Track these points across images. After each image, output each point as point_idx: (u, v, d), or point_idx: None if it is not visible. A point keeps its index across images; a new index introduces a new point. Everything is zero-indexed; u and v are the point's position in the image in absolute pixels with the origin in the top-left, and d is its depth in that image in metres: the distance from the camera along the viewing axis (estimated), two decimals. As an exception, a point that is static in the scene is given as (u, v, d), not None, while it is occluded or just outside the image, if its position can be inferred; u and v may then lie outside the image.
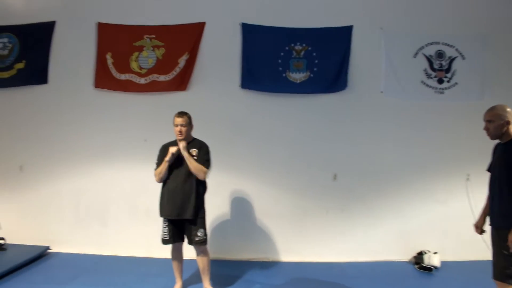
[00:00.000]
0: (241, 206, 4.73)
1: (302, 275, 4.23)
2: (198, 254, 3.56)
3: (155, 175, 3.51)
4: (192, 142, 3.57)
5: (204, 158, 3.50)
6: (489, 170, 2.91)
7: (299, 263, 4.59)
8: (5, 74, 4.97)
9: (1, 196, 4.95)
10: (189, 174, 3.42)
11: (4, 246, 4.54)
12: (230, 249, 4.68)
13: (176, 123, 3.49)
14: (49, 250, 4.70)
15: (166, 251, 4.49)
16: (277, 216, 4.72)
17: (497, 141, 2.85)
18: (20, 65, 4.97)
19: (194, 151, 3.51)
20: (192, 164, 3.41)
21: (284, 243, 4.71)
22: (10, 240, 4.64)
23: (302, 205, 4.73)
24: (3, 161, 4.95)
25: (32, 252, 4.46)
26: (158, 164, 3.52)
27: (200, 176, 3.43)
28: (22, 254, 4.37)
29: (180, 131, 3.45)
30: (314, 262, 4.61)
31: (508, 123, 2.69)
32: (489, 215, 2.87)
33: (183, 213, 3.41)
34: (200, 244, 3.48)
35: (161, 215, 3.52)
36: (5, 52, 5.00)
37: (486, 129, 2.80)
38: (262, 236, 4.71)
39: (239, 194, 4.74)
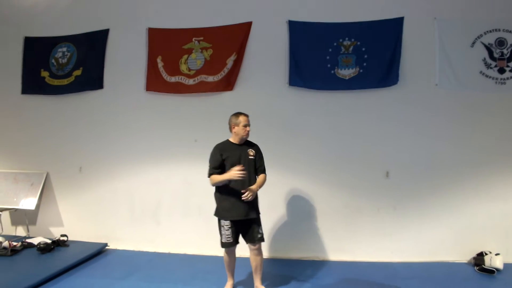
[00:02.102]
0: (291, 205, 4.69)
1: (353, 275, 4.12)
2: (253, 252, 3.53)
3: (211, 180, 3.48)
4: (247, 143, 3.60)
5: (263, 165, 3.59)
6: None
7: (350, 262, 4.49)
8: (65, 81, 5.29)
9: (63, 196, 5.27)
10: (250, 173, 3.44)
11: (66, 243, 4.82)
12: (281, 248, 4.65)
13: (245, 122, 3.51)
14: (107, 247, 4.93)
15: (217, 249, 4.58)
16: (327, 214, 4.64)
17: None
18: (78, 72, 5.28)
19: (252, 152, 3.54)
20: (260, 186, 3.49)
21: (335, 242, 4.62)
22: (71, 237, 4.93)
23: (353, 203, 4.62)
24: (64, 163, 5.27)
25: (91, 248, 4.69)
26: (213, 167, 3.47)
27: None
28: (82, 250, 4.61)
29: (249, 131, 3.53)
30: (366, 261, 4.49)
31: None
32: None
33: (250, 212, 3.44)
34: (261, 241, 3.49)
35: (227, 217, 3.45)
36: (64, 60, 5.32)
37: None
38: (312, 235, 4.64)
39: (290, 193, 4.70)
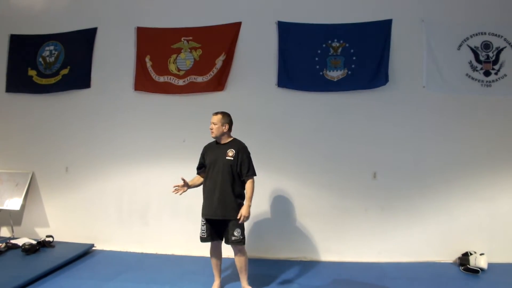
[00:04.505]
0: (279, 206, 4.70)
1: (341, 275, 4.14)
2: (235, 253, 3.55)
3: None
4: (230, 142, 3.59)
5: (249, 167, 3.52)
6: None
7: (337, 262, 4.51)
8: (52, 80, 5.23)
9: (49, 196, 5.20)
10: (223, 175, 3.45)
11: (52, 243, 4.75)
12: (268, 248, 4.65)
13: (211, 121, 3.60)
14: (94, 248, 4.87)
15: (205, 250, 4.57)
16: (315, 215, 4.65)
17: None
18: (65, 71, 5.21)
19: (231, 152, 3.50)
20: (251, 197, 3.52)
21: (323, 242, 4.63)
22: (57, 237, 4.87)
23: (341, 204, 4.63)
24: (50, 163, 5.20)
25: (78, 249, 4.63)
26: (197, 167, 3.74)
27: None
28: (69, 251, 4.55)
29: (211, 130, 3.57)
30: (353, 262, 4.51)
31: None
32: None
33: (218, 212, 3.45)
34: (237, 244, 3.47)
35: (202, 214, 3.60)
36: (52, 59, 5.25)
37: None
38: (300, 235, 4.65)
39: (278, 194, 4.71)
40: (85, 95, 5.15)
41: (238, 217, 3.37)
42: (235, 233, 3.43)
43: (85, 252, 4.69)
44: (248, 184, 3.50)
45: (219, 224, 3.51)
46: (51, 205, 5.19)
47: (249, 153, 3.57)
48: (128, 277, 4.01)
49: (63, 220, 5.11)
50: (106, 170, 5.04)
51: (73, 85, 5.17)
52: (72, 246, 4.73)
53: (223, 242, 3.60)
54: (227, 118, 3.59)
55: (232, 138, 3.63)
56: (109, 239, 4.91)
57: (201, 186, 3.65)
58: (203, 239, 3.58)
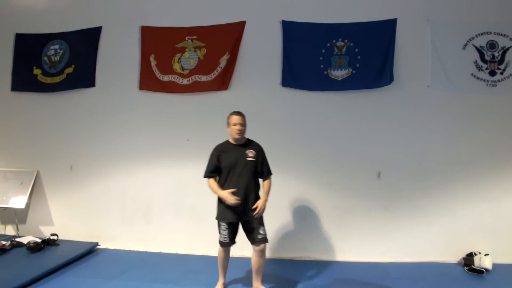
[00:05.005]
0: (283, 206, 4.69)
1: (344, 275, 4.13)
2: (256, 253, 3.47)
3: (209, 185, 3.50)
4: (247, 143, 3.54)
5: (267, 166, 3.55)
6: None
7: (341, 262, 4.50)
8: (56, 79, 5.25)
9: (53, 194, 5.22)
10: (248, 176, 3.41)
11: (57, 242, 4.77)
12: (273, 248, 4.63)
13: (234, 121, 3.43)
14: (98, 246, 4.89)
15: (208, 249, 4.59)
16: (319, 215, 4.65)
17: None
18: (69, 70, 5.23)
19: (251, 153, 3.46)
20: (268, 194, 3.49)
21: (327, 242, 4.63)
22: (62, 236, 4.88)
23: (345, 204, 4.63)
24: (55, 161, 5.22)
25: (82, 248, 4.65)
26: (209, 171, 3.48)
27: None
28: (73, 249, 4.57)
29: (240, 131, 3.42)
30: (357, 261, 4.50)
31: None
32: None
33: (244, 216, 3.43)
34: (263, 242, 3.45)
35: (223, 219, 3.46)
36: (57, 58, 5.28)
37: None
38: (304, 235, 4.65)
39: (281, 194, 4.66)
40: (90, 94, 5.16)
41: (255, 209, 3.35)
42: (261, 231, 3.43)
43: (90, 251, 4.70)
44: (267, 182, 3.54)
45: (244, 226, 3.46)
46: (55, 203, 5.21)
47: (265, 155, 3.59)
48: (132, 276, 4.02)
49: (67, 219, 5.13)
50: (110, 169, 5.06)
51: (77, 84, 5.19)
52: (77, 244, 4.75)
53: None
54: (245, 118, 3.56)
55: (246, 138, 3.58)
56: (113, 238, 4.93)
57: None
58: (225, 244, 3.47)
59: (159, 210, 4.92)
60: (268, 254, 4.58)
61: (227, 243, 3.46)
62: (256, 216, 3.37)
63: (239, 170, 3.39)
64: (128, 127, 5.04)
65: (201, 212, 4.72)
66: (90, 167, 5.13)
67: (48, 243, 4.68)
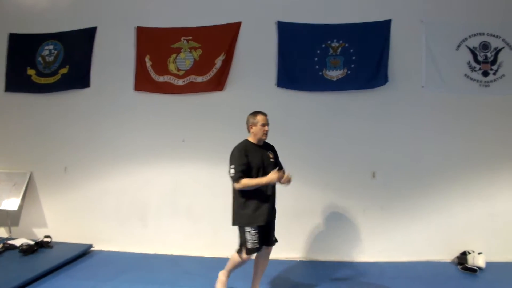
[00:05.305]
0: (278, 205, 4.64)
1: (340, 275, 4.14)
2: (266, 255, 3.46)
3: (239, 185, 3.15)
4: (265, 144, 3.44)
5: (282, 167, 3.45)
6: None
7: (336, 262, 4.50)
8: (51, 80, 5.22)
9: (47, 196, 5.17)
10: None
11: (50, 244, 4.72)
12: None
13: (263, 122, 3.32)
14: (92, 248, 4.84)
15: (204, 250, 4.57)
16: (315, 215, 4.65)
17: None
18: (64, 70, 5.20)
19: (271, 154, 3.41)
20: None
21: (322, 242, 4.63)
22: (55, 238, 4.83)
23: (340, 204, 4.63)
24: (49, 163, 5.18)
25: (76, 250, 4.60)
26: (241, 171, 3.14)
27: None
28: (67, 251, 4.52)
29: (267, 132, 3.34)
30: (352, 261, 4.51)
31: None
32: None
33: (274, 214, 3.44)
34: (276, 242, 3.48)
35: (255, 223, 3.20)
36: (51, 58, 5.24)
37: None
38: (300, 235, 4.65)
39: (277, 193, 4.68)
40: (85, 95, 5.13)
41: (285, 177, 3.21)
42: (274, 233, 3.44)
43: (84, 253, 4.66)
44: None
45: (265, 228, 3.31)
46: (49, 205, 5.16)
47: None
48: (127, 278, 3.98)
49: (61, 221, 5.08)
50: (106, 170, 5.02)
51: (72, 85, 5.16)
52: (70, 246, 4.70)
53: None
54: None
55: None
56: (107, 240, 4.88)
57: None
58: (255, 250, 3.23)
59: (155, 211, 4.89)
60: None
61: (258, 248, 3.23)
62: (284, 181, 3.22)
63: (266, 171, 3.23)
64: (124, 128, 5.02)
65: (198, 213, 4.70)
66: (85, 168, 5.09)
67: (41, 245, 4.63)
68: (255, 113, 3.38)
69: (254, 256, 3.33)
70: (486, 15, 4.56)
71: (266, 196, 3.26)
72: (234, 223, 3.30)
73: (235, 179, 3.15)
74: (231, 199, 3.31)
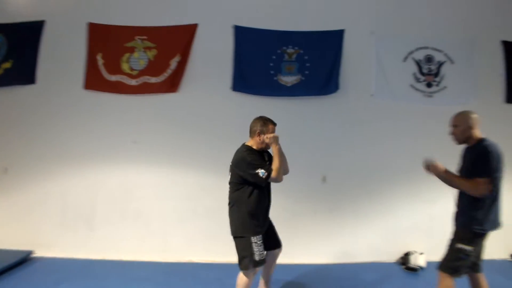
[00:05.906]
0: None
1: (289, 277, 4.19)
2: (276, 257, 3.47)
3: (276, 173, 3.05)
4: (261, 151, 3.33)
5: None
6: (459, 172, 3.11)
7: (286, 265, 4.49)
8: (-8, 74, 4.87)
9: (-16, 199, 4.80)
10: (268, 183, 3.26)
11: (-15, 251, 4.40)
12: (219, 252, 4.57)
13: (273, 131, 3.24)
14: (32, 255, 4.56)
15: (155, 255, 4.45)
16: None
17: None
18: (7, 65, 4.88)
19: (266, 157, 3.35)
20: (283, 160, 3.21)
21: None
22: (-8, 244, 4.50)
23: (291, 207, 4.69)
24: (-13, 163, 4.81)
25: (14, 257, 4.32)
26: (261, 165, 3.06)
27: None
28: (3, 259, 4.21)
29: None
30: (302, 264, 4.58)
31: (470, 128, 2.90)
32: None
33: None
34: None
35: (260, 232, 3.11)
36: (-8, 51, 4.90)
37: (453, 134, 3.05)
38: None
39: (228, 197, 4.68)
40: (30, 92, 4.84)
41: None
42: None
43: (22, 260, 4.37)
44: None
45: (267, 232, 3.26)
46: (-14, 208, 4.80)
47: None
48: (70, 286, 3.79)
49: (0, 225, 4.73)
50: (50, 172, 4.76)
51: (15, 80, 4.84)
52: (7, 253, 4.40)
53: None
54: None
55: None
56: (49, 245, 4.62)
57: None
58: (264, 260, 3.11)
59: (103, 214, 4.69)
60: (215, 259, 4.56)
61: (265, 258, 3.13)
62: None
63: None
64: (71, 128, 4.78)
65: (148, 216, 4.58)
66: (28, 169, 4.79)
67: (-26, 253, 4.29)
68: (267, 121, 3.24)
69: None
70: (430, 30, 4.85)
71: (266, 207, 3.25)
72: (236, 235, 3.12)
73: (269, 175, 3.01)
74: (229, 210, 3.23)
